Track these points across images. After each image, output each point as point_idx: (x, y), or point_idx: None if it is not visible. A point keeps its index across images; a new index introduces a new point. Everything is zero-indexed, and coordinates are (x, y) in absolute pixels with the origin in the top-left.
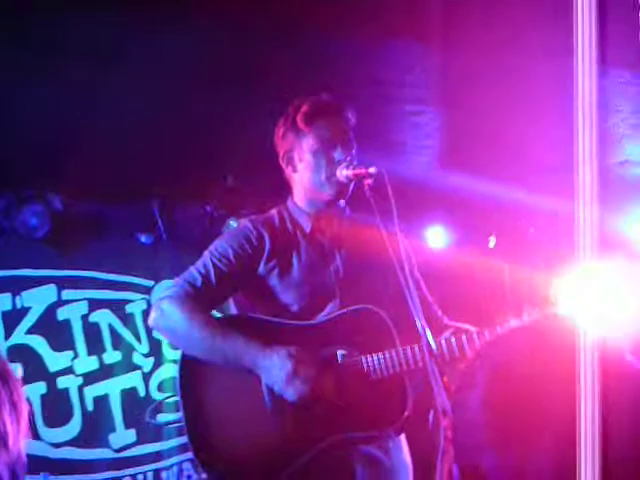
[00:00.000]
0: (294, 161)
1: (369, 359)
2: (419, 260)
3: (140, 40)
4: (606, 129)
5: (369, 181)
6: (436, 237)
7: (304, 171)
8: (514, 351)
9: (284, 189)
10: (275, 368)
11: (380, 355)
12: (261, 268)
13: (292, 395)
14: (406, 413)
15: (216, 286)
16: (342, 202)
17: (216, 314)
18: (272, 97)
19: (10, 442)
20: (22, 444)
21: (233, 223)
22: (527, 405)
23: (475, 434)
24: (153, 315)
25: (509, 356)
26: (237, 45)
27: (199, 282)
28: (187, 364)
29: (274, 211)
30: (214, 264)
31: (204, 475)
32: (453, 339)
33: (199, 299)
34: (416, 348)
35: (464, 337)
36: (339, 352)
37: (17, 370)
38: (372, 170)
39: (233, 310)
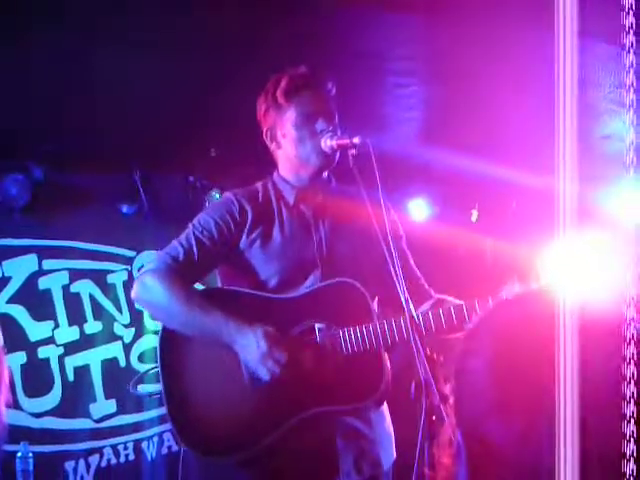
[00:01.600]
0: (277, 137)
1: (347, 332)
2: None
3: (128, 12)
4: (587, 104)
5: (353, 151)
6: (418, 210)
7: (288, 145)
8: (513, 319)
9: (266, 160)
10: (251, 346)
11: (357, 329)
12: (243, 241)
13: (264, 375)
14: (383, 385)
15: (198, 259)
16: (326, 173)
17: (199, 286)
18: (256, 68)
19: None
20: (2, 408)
21: (216, 194)
22: (527, 372)
23: (477, 401)
24: (135, 288)
25: (509, 324)
26: (221, 16)
27: (181, 255)
28: (168, 336)
29: (259, 184)
30: (196, 237)
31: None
32: (433, 312)
33: (181, 272)
34: (393, 322)
35: (442, 311)
36: (317, 325)
37: None
38: (356, 140)
39: (219, 282)
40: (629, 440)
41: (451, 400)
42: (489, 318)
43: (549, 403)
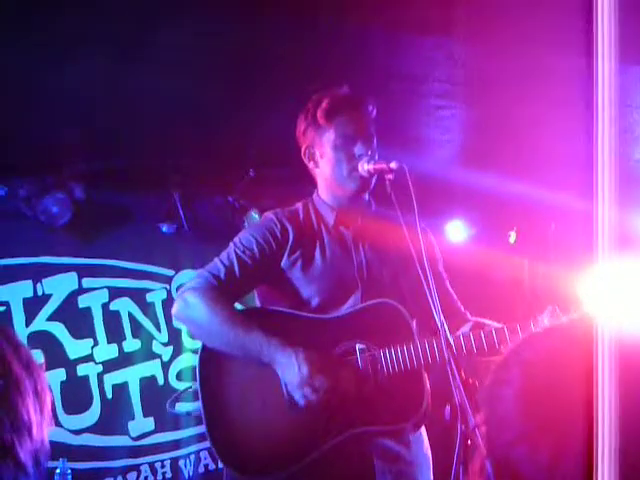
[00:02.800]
0: (315, 156)
1: (387, 353)
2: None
3: (160, 29)
4: (626, 126)
5: (390, 176)
6: (456, 231)
7: (325, 166)
8: (548, 349)
9: (305, 180)
10: (292, 368)
11: (398, 349)
12: (284, 261)
13: (300, 399)
14: (423, 407)
15: (239, 278)
16: (366, 196)
17: (239, 306)
18: (296, 89)
19: (34, 431)
20: (45, 432)
21: (255, 214)
22: (559, 402)
23: (508, 429)
24: (176, 306)
25: (543, 354)
26: (261, 38)
27: (223, 274)
28: (208, 355)
29: (299, 204)
30: (238, 256)
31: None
32: (474, 335)
33: (222, 291)
34: (434, 342)
35: (483, 333)
36: (358, 346)
37: (40, 357)
38: (393, 165)
39: (257, 302)
40: None
41: (483, 428)
42: (521, 348)
43: (578, 433)
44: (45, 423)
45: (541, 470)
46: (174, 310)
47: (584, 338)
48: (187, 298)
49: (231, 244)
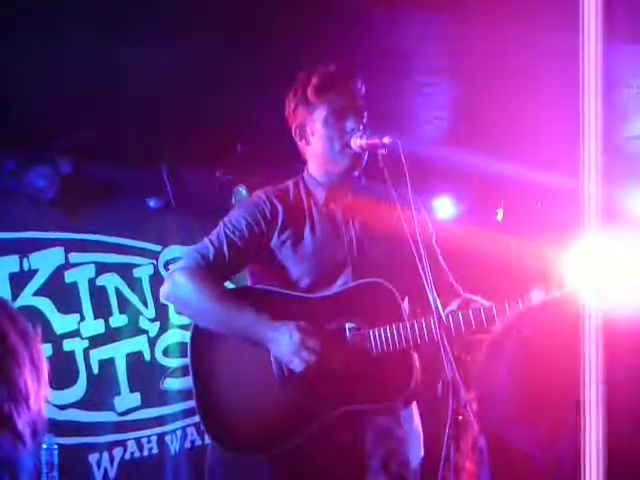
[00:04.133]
0: (307, 134)
1: (377, 332)
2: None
3: (148, 6)
4: (613, 104)
5: (383, 151)
6: (444, 208)
7: (317, 143)
8: (542, 324)
9: (293, 157)
10: (283, 339)
11: (387, 329)
12: (274, 240)
13: (298, 365)
14: (412, 384)
15: (229, 258)
16: (356, 172)
17: (230, 285)
18: (284, 65)
19: (31, 401)
20: (42, 402)
21: (242, 190)
22: (554, 377)
23: (501, 406)
24: (165, 286)
25: (537, 328)
26: (249, 12)
27: (212, 254)
28: (199, 334)
29: (290, 182)
30: (227, 236)
31: (209, 441)
32: (463, 313)
33: (211, 271)
34: (423, 322)
35: (471, 312)
36: (347, 325)
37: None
38: (386, 140)
39: (248, 281)
40: None
41: (474, 406)
42: (514, 322)
43: (573, 409)
44: (42, 392)
45: (536, 445)
46: (163, 291)
47: (573, 314)
48: (176, 278)
49: (220, 223)
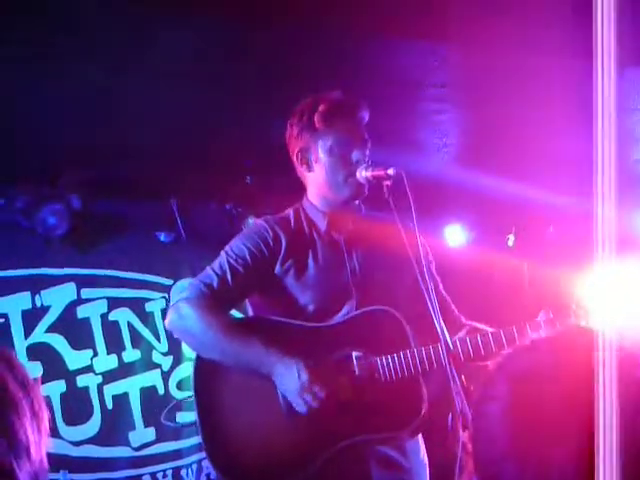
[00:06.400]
0: (309, 160)
1: (384, 360)
2: (437, 258)
3: (157, 40)
4: (625, 128)
5: (388, 182)
6: (454, 235)
7: (320, 171)
8: (536, 362)
9: (303, 187)
10: (291, 377)
11: (395, 356)
12: (277, 268)
13: (301, 407)
14: (422, 414)
15: (232, 287)
16: (357, 201)
17: (236, 314)
18: (291, 96)
19: (32, 451)
20: (44, 451)
21: (252, 221)
22: (548, 417)
23: (495, 446)
24: (169, 317)
25: (531, 367)
26: (257, 45)
27: (215, 283)
28: (202, 366)
29: (290, 210)
30: (230, 265)
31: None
32: (470, 339)
33: (216, 300)
34: (431, 349)
35: (480, 338)
36: (354, 354)
37: (36, 369)
38: (391, 171)
39: (249, 311)
40: None
41: (469, 446)
42: (506, 363)
43: (565, 451)
44: (43, 442)
45: None
46: (167, 321)
47: (572, 349)
48: (180, 308)
49: (223, 253)
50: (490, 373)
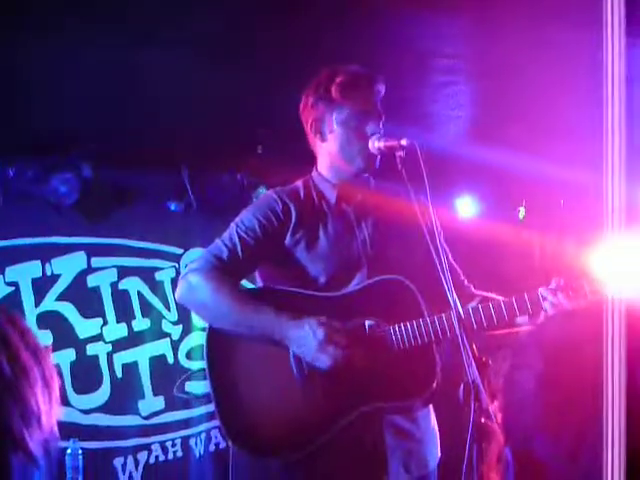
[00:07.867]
0: (323, 130)
1: (397, 329)
2: (447, 229)
3: (171, 11)
4: (635, 102)
5: (401, 153)
6: (465, 207)
7: (333, 142)
8: (567, 332)
9: (314, 158)
10: (307, 337)
11: (408, 325)
12: (287, 240)
13: (325, 362)
14: (434, 384)
15: (242, 258)
16: (367, 174)
17: (246, 284)
18: (303, 67)
19: (44, 420)
20: (54, 420)
21: (264, 192)
22: (581, 386)
23: (525, 417)
24: (180, 288)
25: (562, 337)
26: (269, 17)
27: (225, 254)
28: (214, 335)
29: (299, 182)
30: (240, 236)
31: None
32: (483, 307)
33: (226, 271)
34: (444, 317)
35: (492, 305)
36: (367, 322)
37: (46, 338)
38: (404, 142)
39: (258, 282)
40: None
41: (499, 417)
42: (538, 332)
43: (598, 419)
44: (54, 411)
45: (563, 457)
46: (177, 293)
47: (596, 323)
48: (190, 280)
49: (232, 225)
50: (522, 341)
